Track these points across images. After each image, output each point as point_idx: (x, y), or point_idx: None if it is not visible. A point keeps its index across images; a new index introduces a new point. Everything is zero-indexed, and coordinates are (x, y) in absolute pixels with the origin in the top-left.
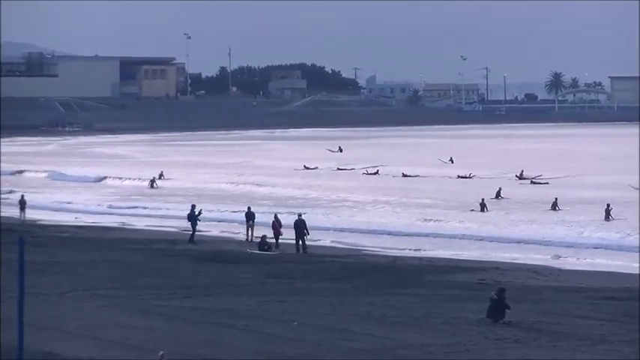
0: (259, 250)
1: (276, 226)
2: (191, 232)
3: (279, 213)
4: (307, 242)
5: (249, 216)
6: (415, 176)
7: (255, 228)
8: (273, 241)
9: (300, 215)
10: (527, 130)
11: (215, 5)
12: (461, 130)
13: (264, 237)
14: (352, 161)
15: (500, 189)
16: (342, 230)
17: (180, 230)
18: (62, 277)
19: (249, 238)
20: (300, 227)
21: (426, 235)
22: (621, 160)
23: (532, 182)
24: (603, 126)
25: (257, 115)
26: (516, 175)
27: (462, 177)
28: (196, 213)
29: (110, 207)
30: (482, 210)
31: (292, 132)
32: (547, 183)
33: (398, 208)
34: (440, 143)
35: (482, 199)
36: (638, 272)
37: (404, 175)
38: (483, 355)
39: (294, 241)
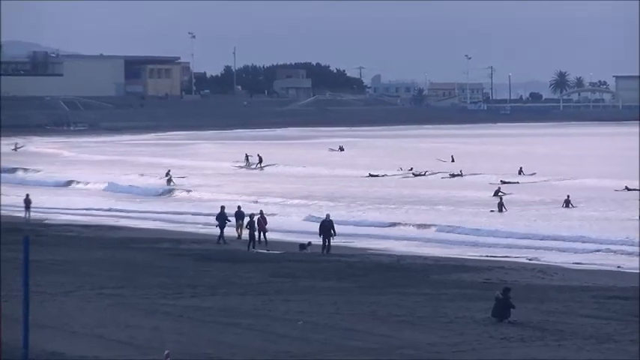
0: (300, 250)
1: (262, 222)
2: (220, 233)
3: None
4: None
5: (239, 215)
6: (383, 176)
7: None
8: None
9: (328, 216)
10: (529, 130)
11: (219, 4)
12: (465, 130)
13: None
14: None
15: (499, 188)
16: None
17: (185, 230)
18: (68, 277)
19: (240, 236)
20: (328, 228)
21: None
22: (609, 161)
23: (502, 182)
24: (608, 125)
25: (262, 114)
26: (451, 174)
27: (417, 174)
28: (227, 215)
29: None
30: (500, 210)
31: (295, 131)
32: (517, 182)
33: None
34: (441, 142)
35: (501, 199)
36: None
37: (370, 175)
38: (489, 354)
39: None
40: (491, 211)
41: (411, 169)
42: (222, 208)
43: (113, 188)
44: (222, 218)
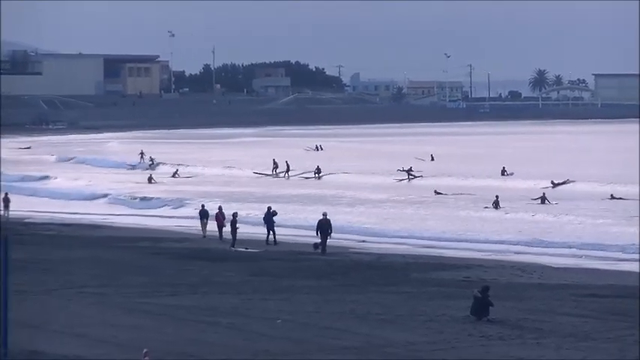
0: (315, 249)
1: (220, 218)
2: (267, 234)
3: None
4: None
5: (203, 214)
6: (330, 174)
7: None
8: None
9: (325, 215)
10: (508, 128)
11: (199, 4)
12: (444, 128)
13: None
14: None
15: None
16: None
17: (164, 229)
18: (48, 275)
19: (205, 235)
20: (325, 227)
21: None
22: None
23: (408, 174)
24: (586, 123)
25: (242, 113)
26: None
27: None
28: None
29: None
30: (495, 207)
31: (274, 130)
32: (421, 176)
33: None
34: (420, 141)
35: (497, 197)
36: (632, 270)
37: (316, 174)
38: (468, 352)
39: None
40: (485, 207)
41: (408, 169)
42: (269, 208)
43: None
44: (268, 220)
